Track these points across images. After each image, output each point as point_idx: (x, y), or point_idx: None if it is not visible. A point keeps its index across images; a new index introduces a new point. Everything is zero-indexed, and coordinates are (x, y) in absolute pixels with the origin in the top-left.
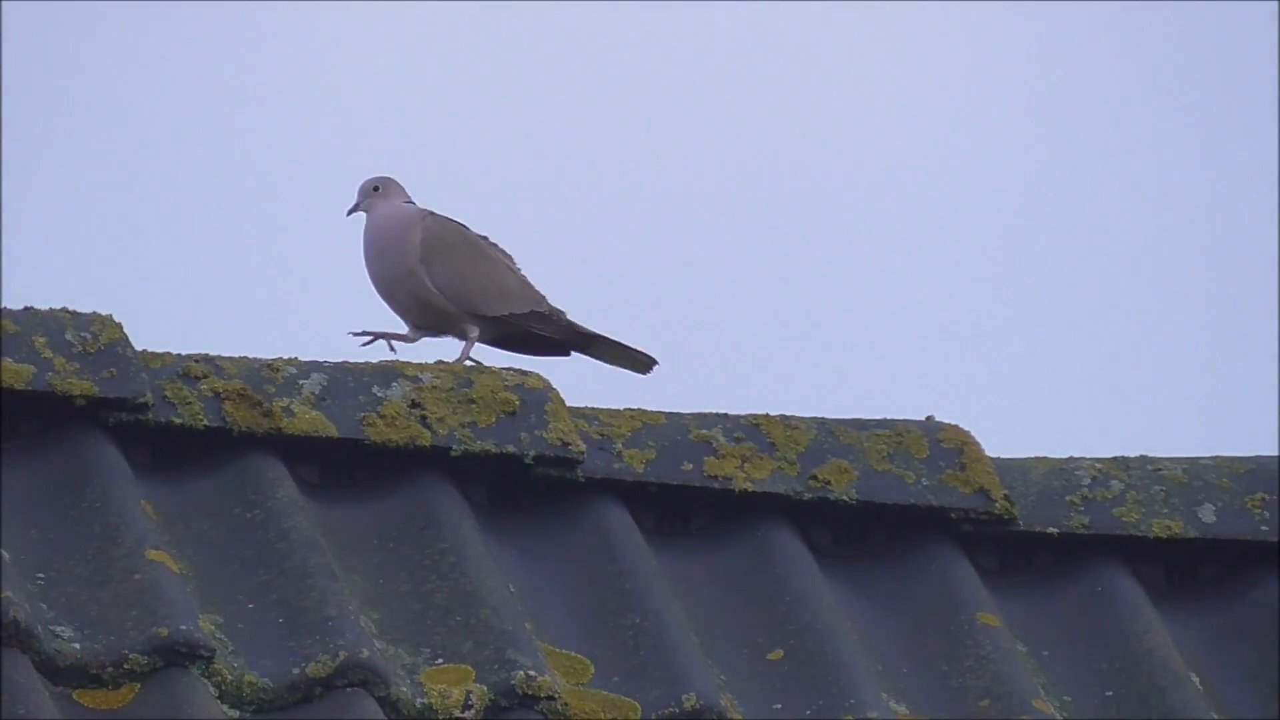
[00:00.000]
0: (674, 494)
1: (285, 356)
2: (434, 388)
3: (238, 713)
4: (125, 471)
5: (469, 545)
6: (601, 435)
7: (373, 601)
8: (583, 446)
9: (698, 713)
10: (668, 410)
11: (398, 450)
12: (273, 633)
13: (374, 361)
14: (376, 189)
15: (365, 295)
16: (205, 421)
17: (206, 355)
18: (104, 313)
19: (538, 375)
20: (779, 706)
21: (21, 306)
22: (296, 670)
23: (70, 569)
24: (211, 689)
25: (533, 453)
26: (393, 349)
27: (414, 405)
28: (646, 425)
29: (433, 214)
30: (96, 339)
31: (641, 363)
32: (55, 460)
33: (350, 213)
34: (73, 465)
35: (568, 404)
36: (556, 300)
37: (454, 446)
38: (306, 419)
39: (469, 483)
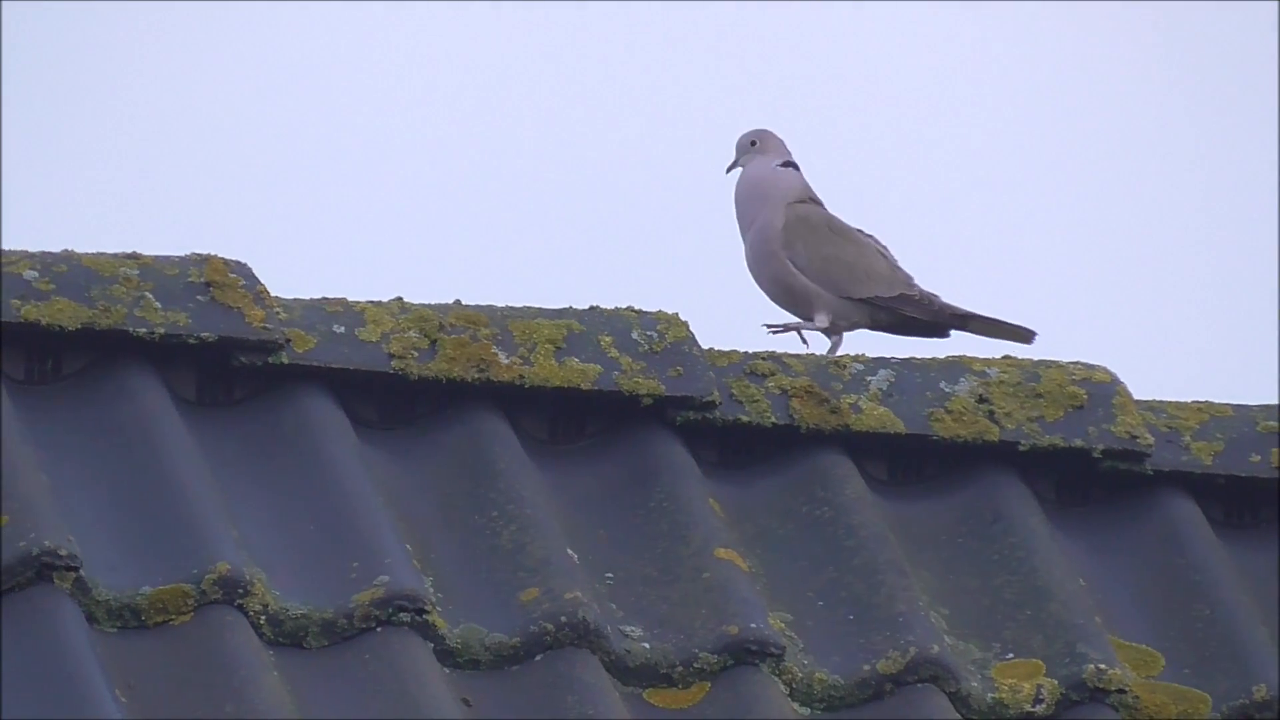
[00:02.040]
0: (1242, 486)
1: (851, 354)
2: (1001, 382)
3: (808, 710)
4: (693, 470)
5: (1038, 540)
6: (1169, 428)
7: (942, 597)
8: (1150, 439)
9: (1268, 704)
10: (1234, 403)
11: (965, 445)
12: (842, 630)
13: (940, 357)
14: (754, 144)
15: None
16: (773, 419)
17: (772, 353)
18: (669, 311)
19: (1104, 369)
20: None
21: (588, 306)
22: (867, 667)
23: (638, 568)
24: (782, 687)
25: (1101, 446)
26: (804, 341)
27: (981, 400)
28: (1214, 418)
29: (806, 201)
30: (663, 337)
31: (1023, 335)
32: (622, 460)
33: (730, 169)
34: (640, 465)
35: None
36: (931, 286)
37: (1021, 441)
38: (874, 415)
39: (1037, 477)
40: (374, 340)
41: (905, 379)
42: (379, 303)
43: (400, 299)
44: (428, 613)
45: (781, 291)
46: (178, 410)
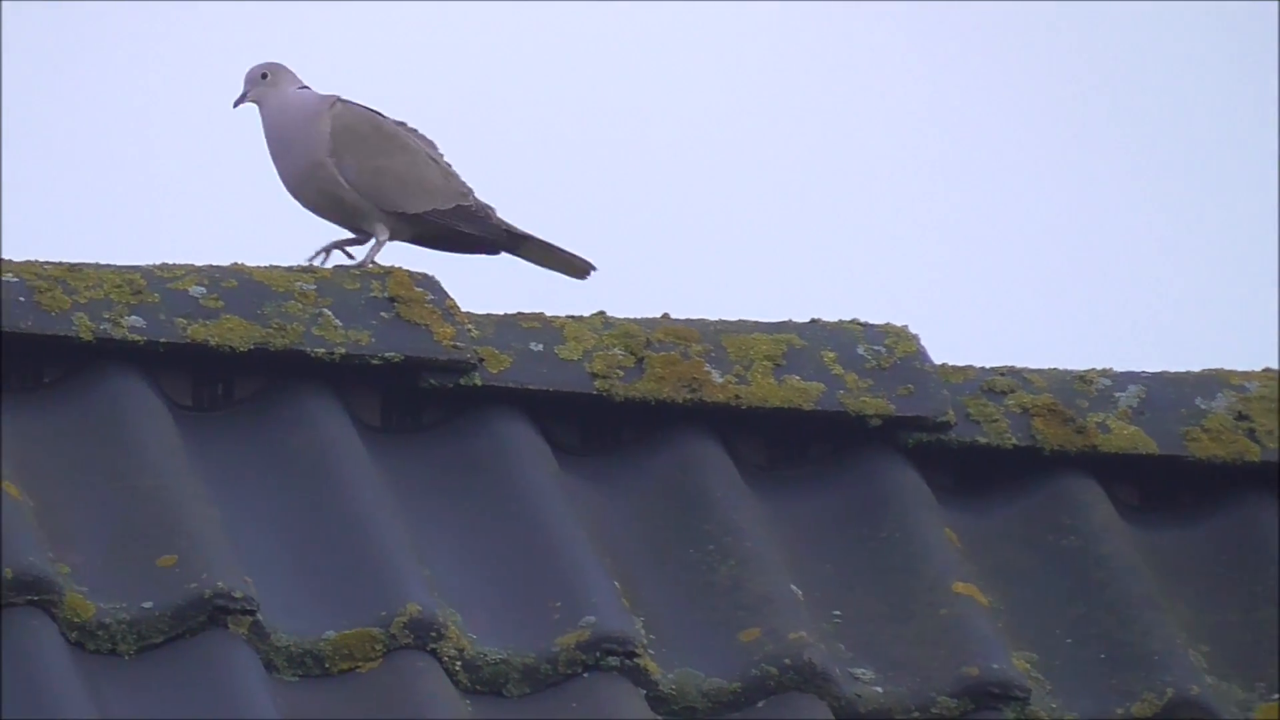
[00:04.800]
0: None
1: (1098, 367)
2: (1261, 397)
3: None
4: (926, 497)
5: None
6: None
7: (1200, 633)
8: None
9: None
10: None
11: (1223, 467)
12: (1092, 670)
13: (1195, 370)
14: (265, 76)
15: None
16: (1013, 440)
17: (1011, 367)
18: (897, 324)
19: None
20: None
21: (809, 319)
22: (1120, 710)
23: (868, 605)
24: None
25: None
26: (350, 257)
27: (1240, 418)
28: None
29: (341, 99)
30: (891, 352)
31: (577, 267)
32: (849, 487)
33: (237, 104)
34: (868, 492)
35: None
36: (485, 195)
37: None
38: (1124, 435)
39: None
40: (575, 359)
41: (1157, 395)
42: (579, 318)
43: (603, 313)
44: (639, 656)
45: (329, 205)
46: (360, 437)
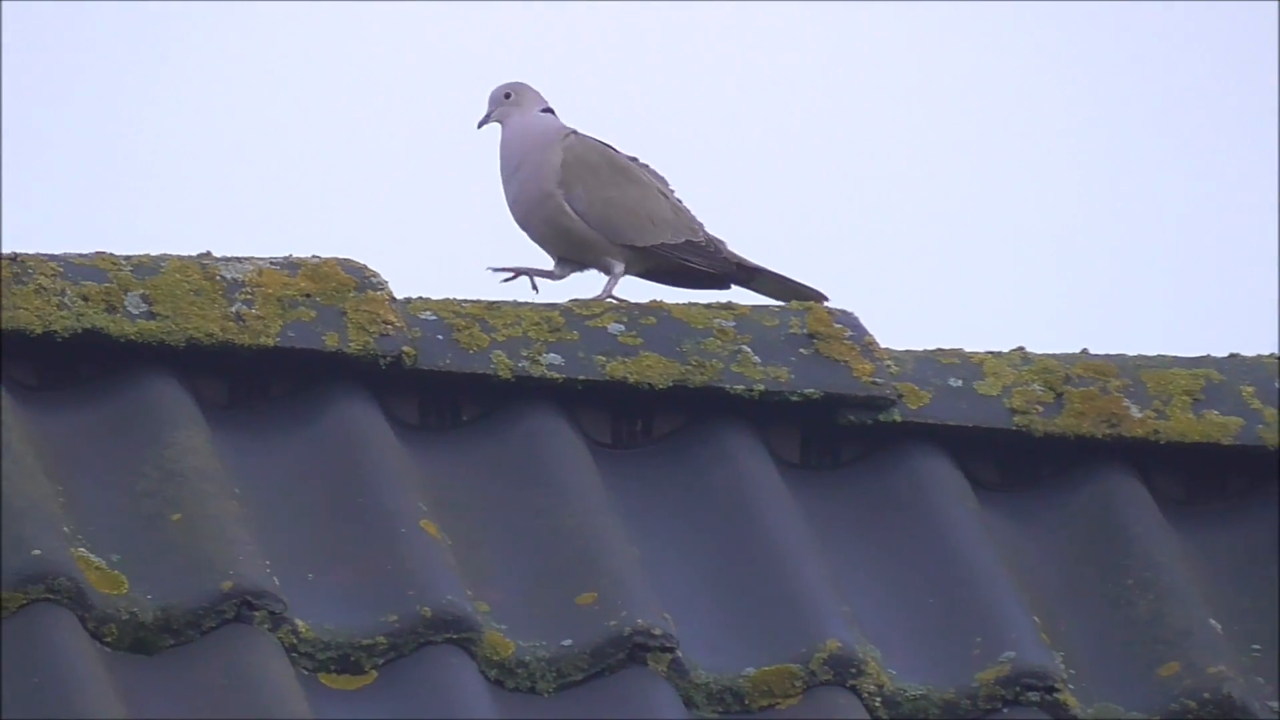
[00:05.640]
0: None
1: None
2: None
3: None
4: None
5: None
6: None
7: None
8: None
9: None
10: None
11: None
12: None
13: None
14: (509, 96)
15: (502, 222)
16: None
17: None
18: None
19: None
20: None
21: (1227, 354)
22: None
23: None
24: None
25: None
26: (535, 288)
27: None
28: None
29: (575, 132)
30: None
31: (811, 297)
32: (1267, 522)
33: (482, 124)
34: None
35: None
36: (716, 229)
37: None
38: None
39: None
40: (994, 394)
41: None
42: (998, 354)
43: (1021, 349)
44: (1059, 691)
45: (556, 236)
46: (779, 473)
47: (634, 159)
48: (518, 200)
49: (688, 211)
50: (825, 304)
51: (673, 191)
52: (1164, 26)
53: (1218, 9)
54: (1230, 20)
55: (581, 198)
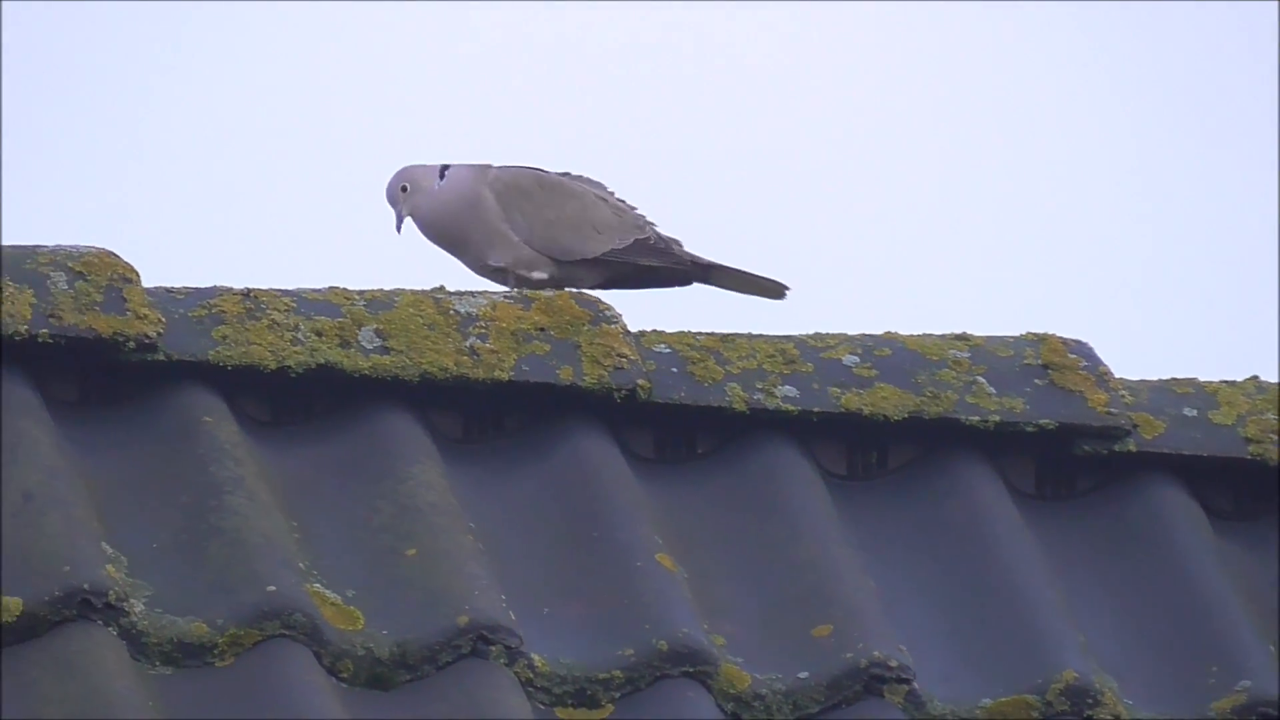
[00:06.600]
0: None
1: None
2: None
3: None
4: None
5: None
6: None
7: None
8: None
9: None
10: None
11: None
12: None
13: None
14: (405, 189)
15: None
16: None
17: None
18: None
19: None
20: None
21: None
22: None
23: None
24: None
25: None
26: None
27: None
28: None
29: (490, 165)
30: None
31: (772, 290)
32: None
33: (400, 228)
34: None
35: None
36: (669, 230)
37: None
38: None
39: None
40: (1228, 424)
41: None
42: (1232, 382)
43: (1255, 378)
44: None
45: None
46: (1014, 504)
47: (566, 174)
48: (476, 255)
49: (631, 211)
50: (1059, 335)
51: (613, 194)
52: (1164, 27)
53: (1218, 9)
54: (1230, 20)
55: (523, 225)
